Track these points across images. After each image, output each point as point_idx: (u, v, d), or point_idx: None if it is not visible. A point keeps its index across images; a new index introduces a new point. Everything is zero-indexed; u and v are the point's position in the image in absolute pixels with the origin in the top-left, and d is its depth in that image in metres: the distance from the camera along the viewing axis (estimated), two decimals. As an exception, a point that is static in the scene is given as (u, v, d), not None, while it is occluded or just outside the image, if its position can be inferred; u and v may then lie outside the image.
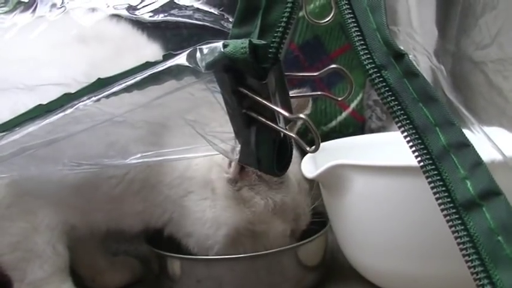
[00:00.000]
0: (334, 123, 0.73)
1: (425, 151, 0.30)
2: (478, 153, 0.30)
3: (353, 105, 0.75)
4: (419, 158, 0.30)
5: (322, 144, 0.35)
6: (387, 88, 0.31)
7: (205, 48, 0.32)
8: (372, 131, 0.75)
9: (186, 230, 0.53)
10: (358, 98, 0.75)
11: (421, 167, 0.30)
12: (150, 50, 0.52)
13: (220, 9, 0.42)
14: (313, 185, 0.57)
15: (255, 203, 0.52)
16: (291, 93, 0.36)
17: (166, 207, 0.53)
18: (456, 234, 0.29)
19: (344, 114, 0.74)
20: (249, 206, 0.52)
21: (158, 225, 0.54)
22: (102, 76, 0.35)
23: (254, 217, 0.52)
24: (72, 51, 0.50)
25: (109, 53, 0.50)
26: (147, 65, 0.34)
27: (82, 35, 0.50)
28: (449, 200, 0.29)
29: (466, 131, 0.32)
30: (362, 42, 0.32)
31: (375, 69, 0.32)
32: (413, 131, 0.31)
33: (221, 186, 0.52)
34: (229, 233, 0.52)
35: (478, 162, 0.29)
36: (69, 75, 0.42)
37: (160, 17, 0.42)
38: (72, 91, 0.36)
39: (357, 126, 0.75)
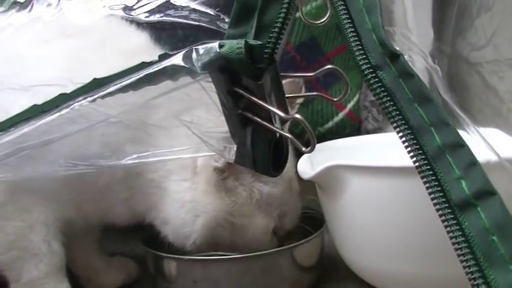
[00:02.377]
0: (330, 124, 0.73)
1: (420, 151, 0.30)
2: (473, 153, 0.30)
3: (349, 106, 0.75)
4: (414, 158, 0.30)
5: (318, 145, 0.35)
6: (382, 88, 0.31)
7: (201, 48, 0.32)
8: (368, 132, 0.75)
9: (164, 215, 0.52)
10: (355, 99, 0.75)
11: (416, 167, 0.30)
12: (137, 38, 0.52)
13: (216, 9, 0.42)
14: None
15: (237, 193, 0.52)
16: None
17: (148, 192, 0.52)
18: (451, 234, 0.29)
19: (340, 115, 0.74)
20: (231, 195, 0.51)
21: (142, 212, 0.54)
22: (86, 68, 0.35)
23: (235, 208, 0.52)
24: (68, 50, 0.50)
25: (93, 43, 0.50)
26: (143, 65, 0.34)
27: (79, 33, 0.50)
28: (444, 200, 0.29)
29: (461, 132, 0.32)
30: (357, 42, 0.32)
31: (371, 70, 0.32)
32: (409, 131, 0.31)
33: (206, 172, 0.51)
34: (207, 222, 0.51)
35: (473, 162, 0.29)
36: (65, 75, 0.42)
37: (156, 18, 0.42)
38: (68, 91, 0.36)
39: (353, 127, 0.75)
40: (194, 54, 0.32)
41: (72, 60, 0.48)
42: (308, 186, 0.57)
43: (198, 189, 0.51)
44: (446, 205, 0.29)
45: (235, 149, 0.37)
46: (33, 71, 0.48)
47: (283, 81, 0.35)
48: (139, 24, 0.51)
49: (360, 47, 0.32)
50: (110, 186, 0.51)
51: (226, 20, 0.40)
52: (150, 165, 0.51)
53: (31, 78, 0.46)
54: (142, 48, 0.52)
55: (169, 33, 0.46)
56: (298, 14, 0.35)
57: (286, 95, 0.36)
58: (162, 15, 0.42)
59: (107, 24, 0.50)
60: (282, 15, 0.33)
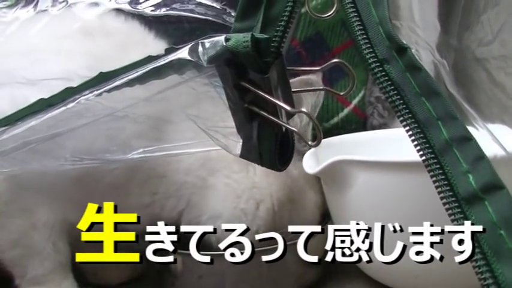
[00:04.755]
0: (336, 119, 0.73)
1: (427, 145, 0.30)
2: (480, 147, 0.30)
3: (355, 102, 0.75)
4: (421, 152, 0.30)
5: (324, 141, 0.35)
6: (389, 82, 0.31)
7: (208, 42, 0.32)
8: (373, 128, 0.75)
9: (213, 211, 0.51)
10: (360, 95, 0.75)
11: (423, 161, 0.30)
12: (156, 47, 0.52)
13: (223, 3, 0.42)
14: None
15: (289, 171, 0.51)
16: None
17: (182, 194, 0.51)
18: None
19: (346, 111, 0.74)
20: (286, 171, 0.50)
21: (172, 216, 0.52)
22: (106, 70, 0.35)
23: (292, 183, 0.52)
24: (76, 44, 0.50)
25: (114, 47, 0.50)
26: (149, 59, 0.35)
27: (87, 28, 0.50)
28: (451, 194, 0.29)
29: (468, 127, 0.31)
30: (364, 36, 0.32)
31: (377, 63, 0.32)
32: (416, 125, 0.31)
33: None
34: (271, 205, 0.51)
35: (480, 156, 0.29)
36: (72, 69, 0.42)
37: (162, 11, 0.42)
38: (75, 85, 0.36)
39: (358, 122, 0.75)
40: (200, 48, 0.32)
41: (92, 58, 0.47)
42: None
43: (257, 174, 0.51)
44: (454, 199, 0.29)
45: (241, 143, 0.37)
46: (49, 64, 0.47)
47: (295, 79, 0.35)
48: (157, 33, 0.51)
49: (367, 41, 0.32)
50: (129, 189, 0.50)
51: (233, 13, 0.40)
52: (180, 167, 0.50)
53: (46, 70, 0.46)
54: None
55: (175, 27, 0.46)
56: (303, 10, 0.35)
57: (293, 89, 0.36)
58: (168, 8, 0.42)
59: (128, 29, 0.50)
60: (288, 8, 0.33)
